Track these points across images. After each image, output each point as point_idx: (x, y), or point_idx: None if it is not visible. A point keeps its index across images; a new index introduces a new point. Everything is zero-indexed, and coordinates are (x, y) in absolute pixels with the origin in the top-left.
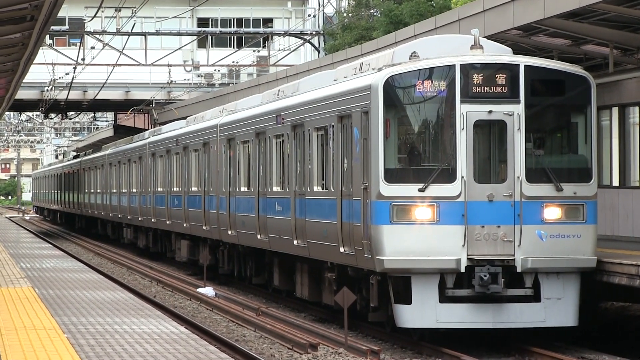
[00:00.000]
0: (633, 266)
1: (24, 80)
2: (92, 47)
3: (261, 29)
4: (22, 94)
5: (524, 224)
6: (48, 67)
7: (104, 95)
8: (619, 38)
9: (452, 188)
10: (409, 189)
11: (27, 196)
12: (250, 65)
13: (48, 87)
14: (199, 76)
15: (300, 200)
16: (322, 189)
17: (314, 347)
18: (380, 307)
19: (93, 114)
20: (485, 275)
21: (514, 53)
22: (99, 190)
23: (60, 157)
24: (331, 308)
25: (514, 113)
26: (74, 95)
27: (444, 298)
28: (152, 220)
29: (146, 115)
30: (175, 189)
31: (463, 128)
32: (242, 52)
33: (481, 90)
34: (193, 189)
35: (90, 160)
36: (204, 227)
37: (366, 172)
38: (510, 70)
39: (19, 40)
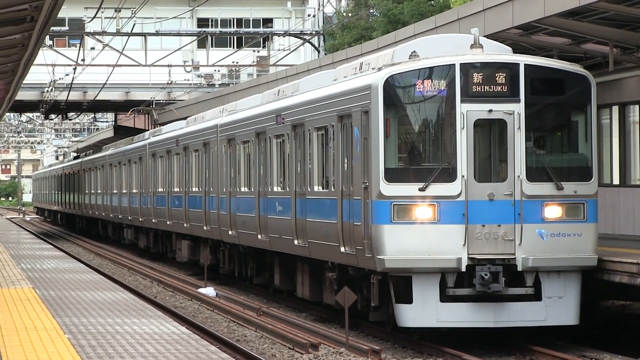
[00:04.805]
0: (634, 264)
1: (24, 81)
2: (92, 48)
3: (261, 29)
4: (22, 95)
5: (525, 223)
6: (48, 68)
7: (104, 96)
8: (618, 37)
9: (452, 187)
10: (410, 189)
11: (27, 197)
12: (250, 66)
13: (48, 88)
14: (199, 76)
15: (301, 200)
16: (323, 188)
17: (315, 346)
18: (381, 307)
19: (93, 115)
20: (486, 274)
21: (514, 52)
22: (99, 191)
23: (61, 158)
24: (332, 308)
25: (514, 112)
26: (74, 96)
27: (444, 297)
28: (153, 220)
29: (146, 115)
30: (175, 189)
31: (463, 127)
32: (242, 52)
33: (481, 89)
34: (193, 189)
35: (91, 161)
36: (205, 228)
37: (366, 172)
38: (510, 69)
39: (19, 41)
